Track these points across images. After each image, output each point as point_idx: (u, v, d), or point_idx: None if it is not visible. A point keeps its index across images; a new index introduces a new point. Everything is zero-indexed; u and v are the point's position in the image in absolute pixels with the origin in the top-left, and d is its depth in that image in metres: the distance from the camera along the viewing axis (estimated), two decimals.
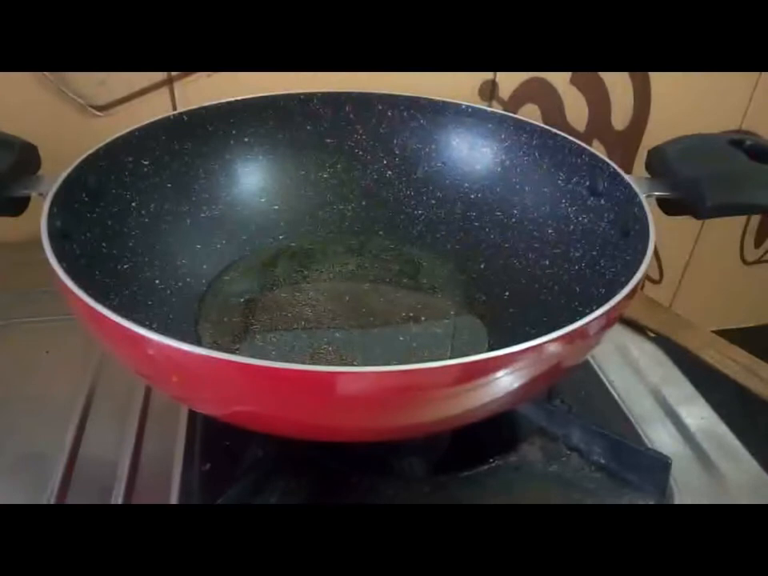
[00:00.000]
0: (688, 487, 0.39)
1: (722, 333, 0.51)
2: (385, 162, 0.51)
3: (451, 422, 0.32)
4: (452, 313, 0.45)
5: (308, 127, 0.50)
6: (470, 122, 0.49)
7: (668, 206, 0.42)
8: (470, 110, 0.49)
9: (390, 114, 0.50)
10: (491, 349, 0.32)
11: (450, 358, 0.28)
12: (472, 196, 0.50)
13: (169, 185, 0.45)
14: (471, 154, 0.50)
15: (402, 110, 0.50)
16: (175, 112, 0.46)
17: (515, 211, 0.48)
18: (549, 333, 0.28)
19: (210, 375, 0.27)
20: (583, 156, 0.44)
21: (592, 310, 0.30)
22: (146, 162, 0.44)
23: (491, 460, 0.39)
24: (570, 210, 0.45)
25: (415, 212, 0.51)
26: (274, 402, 0.29)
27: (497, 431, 0.40)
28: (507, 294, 0.45)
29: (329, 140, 0.51)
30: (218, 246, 0.47)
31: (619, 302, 0.31)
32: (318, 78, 0.51)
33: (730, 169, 0.41)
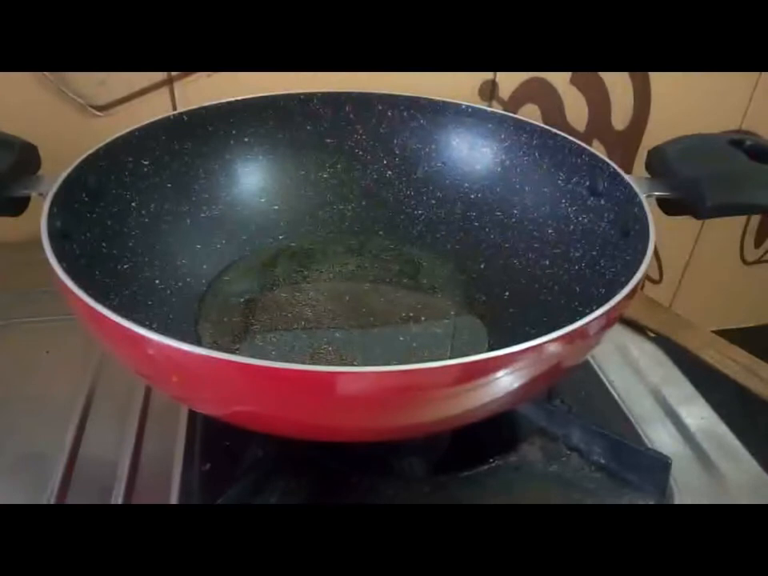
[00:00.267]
0: (688, 487, 0.39)
1: (722, 333, 0.51)
2: (385, 162, 0.51)
3: (451, 421, 0.32)
4: (452, 313, 0.45)
5: (308, 127, 0.50)
6: (470, 122, 0.49)
7: (668, 206, 0.42)
8: (470, 110, 0.49)
9: (389, 114, 0.50)
10: (491, 349, 0.32)
11: (450, 358, 0.28)
12: (472, 196, 0.50)
13: (169, 185, 0.45)
14: (471, 153, 0.50)
15: (402, 110, 0.50)
16: (175, 112, 0.46)
17: (515, 211, 0.48)
18: (549, 333, 0.28)
19: (210, 375, 0.27)
20: (583, 156, 0.44)
21: (592, 310, 0.30)
22: (145, 162, 0.44)
23: (491, 460, 0.39)
24: (570, 210, 0.45)
25: (415, 212, 0.51)
26: (274, 402, 0.29)
27: (497, 431, 0.40)
28: (507, 294, 0.45)
29: (329, 140, 0.51)
30: (218, 245, 0.47)
31: (619, 302, 0.31)
32: (317, 77, 0.51)
33: (730, 169, 0.41)
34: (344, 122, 0.50)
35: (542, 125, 0.47)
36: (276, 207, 0.50)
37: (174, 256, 0.44)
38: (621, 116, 0.64)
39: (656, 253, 0.52)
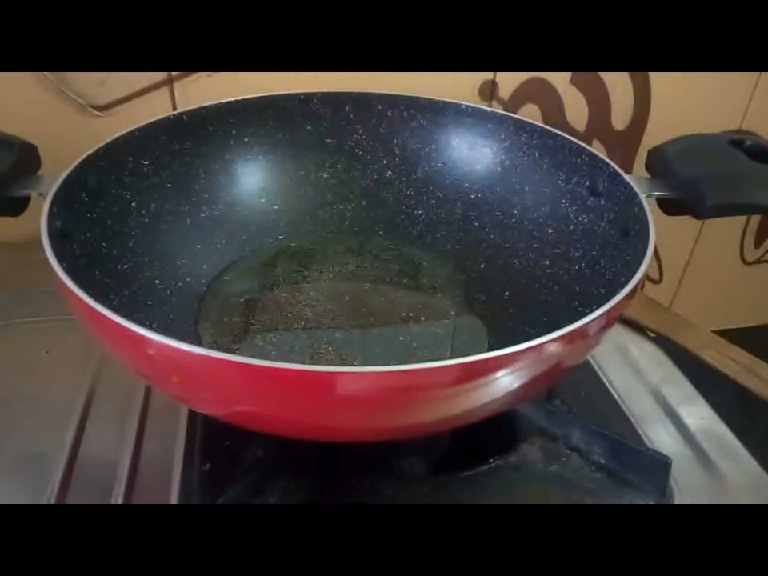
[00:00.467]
0: (688, 487, 0.39)
1: (722, 333, 0.51)
2: (385, 162, 0.51)
3: (451, 421, 0.32)
4: (452, 313, 0.45)
5: (308, 127, 0.50)
6: (470, 122, 0.49)
7: (668, 206, 0.42)
8: (470, 110, 0.49)
9: (390, 114, 0.50)
10: (491, 349, 0.32)
11: (450, 358, 0.28)
12: (472, 196, 0.50)
13: (169, 185, 0.45)
14: (471, 153, 0.50)
15: (402, 110, 0.50)
16: (175, 112, 0.46)
17: (515, 211, 0.48)
18: (549, 333, 0.28)
19: (210, 375, 0.27)
20: (583, 156, 0.44)
21: (592, 310, 0.30)
22: (146, 162, 0.44)
23: (491, 460, 0.39)
24: (570, 209, 0.45)
25: (415, 212, 0.51)
26: (274, 402, 0.29)
27: (497, 431, 0.40)
28: (507, 294, 0.45)
29: (329, 140, 0.51)
30: (218, 245, 0.47)
31: (619, 302, 0.31)
32: (317, 77, 0.51)
33: (730, 169, 0.41)
34: (344, 122, 0.50)
35: (542, 125, 0.47)
36: (276, 207, 0.50)
37: (174, 256, 0.44)
38: (621, 116, 0.64)
39: (656, 253, 0.52)
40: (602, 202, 0.42)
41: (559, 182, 0.45)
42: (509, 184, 0.48)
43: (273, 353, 0.41)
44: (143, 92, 0.54)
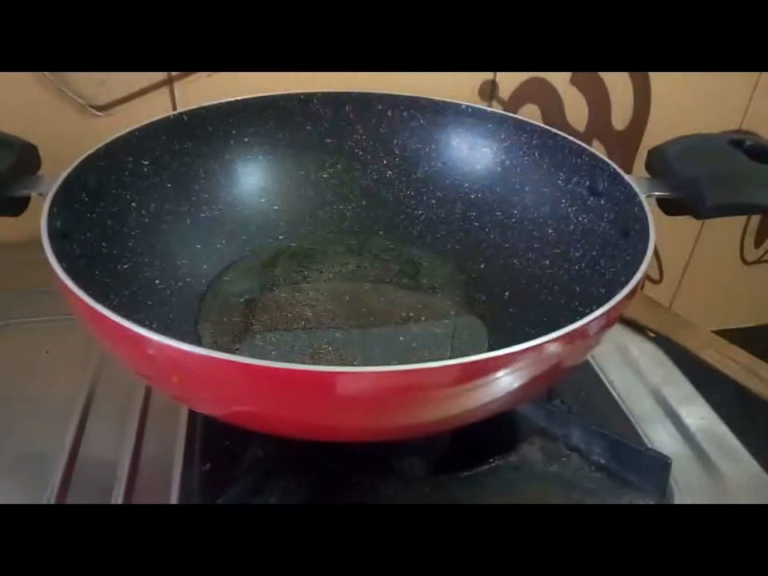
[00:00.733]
0: (688, 487, 0.39)
1: (722, 333, 0.51)
2: (385, 162, 0.51)
3: (451, 422, 0.32)
4: (452, 313, 0.45)
5: (308, 127, 0.50)
6: (470, 122, 0.49)
7: (668, 206, 0.42)
8: (470, 110, 0.49)
9: (390, 113, 0.50)
10: (491, 349, 0.32)
11: (450, 358, 0.28)
12: (472, 196, 0.50)
13: (169, 185, 0.45)
14: (471, 153, 0.50)
15: (402, 110, 0.50)
16: (175, 112, 0.46)
17: (515, 211, 0.48)
18: (549, 333, 0.28)
19: (210, 375, 0.27)
20: (583, 156, 0.44)
21: (592, 310, 0.30)
22: (146, 162, 0.44)
23: (491, 460, 0.39)
24: (570, 209, 0.45)
25: (415, 212, 0.51)
26: (274, 402, 0.29)
27: (497, 431, 0.40)
28: (507, 294, 0.45)
29: (329, 140, 0.51)
30: (218, 245, 0.47)
31: (619, 302, 0.31)
32: (317, 77, 0.51)
33: (730, 169, 0.41)
34: (344, 122, 0.50)
35: (542, 125, 0.47)
36: (276, 207, 0.50)
37: (174, 256, 0.44)
38: (621, 116, 0.64)
39: (656, 253, 0.52)
40: (602, 202, 0.42)
41: (559, 181, 0.45)
42: (509, 184, 0.48)
43: (273, 353, 0.41)
44: (143, 92, 0.54)
